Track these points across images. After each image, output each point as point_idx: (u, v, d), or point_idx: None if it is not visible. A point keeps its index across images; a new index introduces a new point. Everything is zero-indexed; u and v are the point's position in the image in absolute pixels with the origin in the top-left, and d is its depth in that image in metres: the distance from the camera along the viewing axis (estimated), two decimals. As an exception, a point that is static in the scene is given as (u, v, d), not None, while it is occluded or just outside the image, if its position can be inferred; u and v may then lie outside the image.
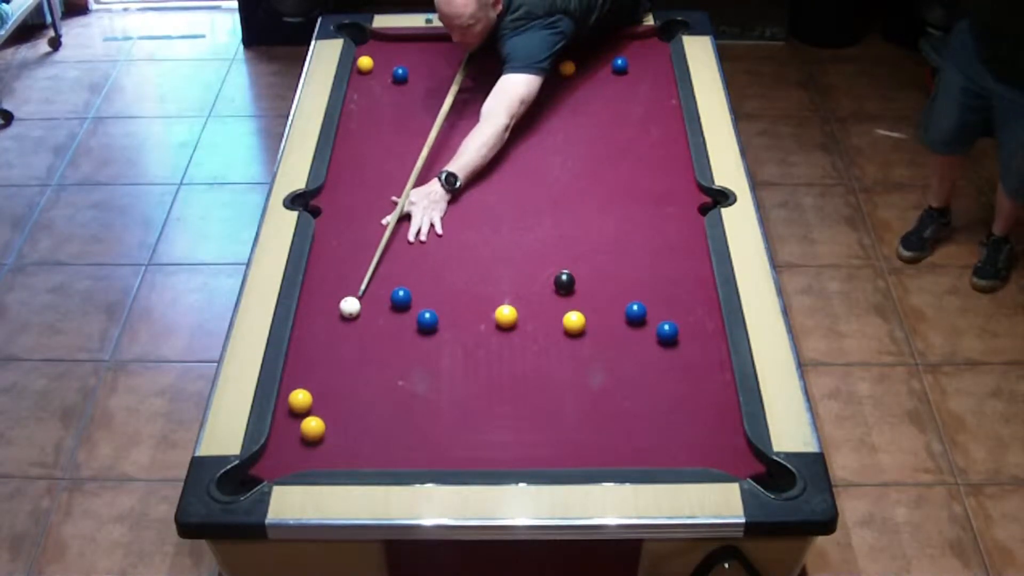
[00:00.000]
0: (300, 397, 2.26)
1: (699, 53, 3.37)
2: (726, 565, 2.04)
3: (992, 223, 3.76)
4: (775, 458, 2.10)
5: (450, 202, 2.85)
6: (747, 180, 2.85)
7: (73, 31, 5.36)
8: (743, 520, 1.99)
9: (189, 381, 3.44)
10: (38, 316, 3.71)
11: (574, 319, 2.44)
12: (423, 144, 2.96)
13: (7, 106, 4.72)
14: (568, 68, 3.33)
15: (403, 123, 3.17)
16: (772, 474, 2.09)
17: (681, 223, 2.76)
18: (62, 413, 3.35)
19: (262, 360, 2.35)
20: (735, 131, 3.03)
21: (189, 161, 4.44)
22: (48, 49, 5.19)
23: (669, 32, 3.49)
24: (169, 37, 5.35)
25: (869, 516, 3.00)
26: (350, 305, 2.50)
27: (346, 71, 3.35)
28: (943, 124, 3.61)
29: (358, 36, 3.53)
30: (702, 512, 2.01)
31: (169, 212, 4.17)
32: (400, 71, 3.35)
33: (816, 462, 2.09)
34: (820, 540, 2.17)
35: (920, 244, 3.87)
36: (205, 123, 4.67)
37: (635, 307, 2.46)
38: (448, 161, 2.91)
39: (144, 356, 3.55)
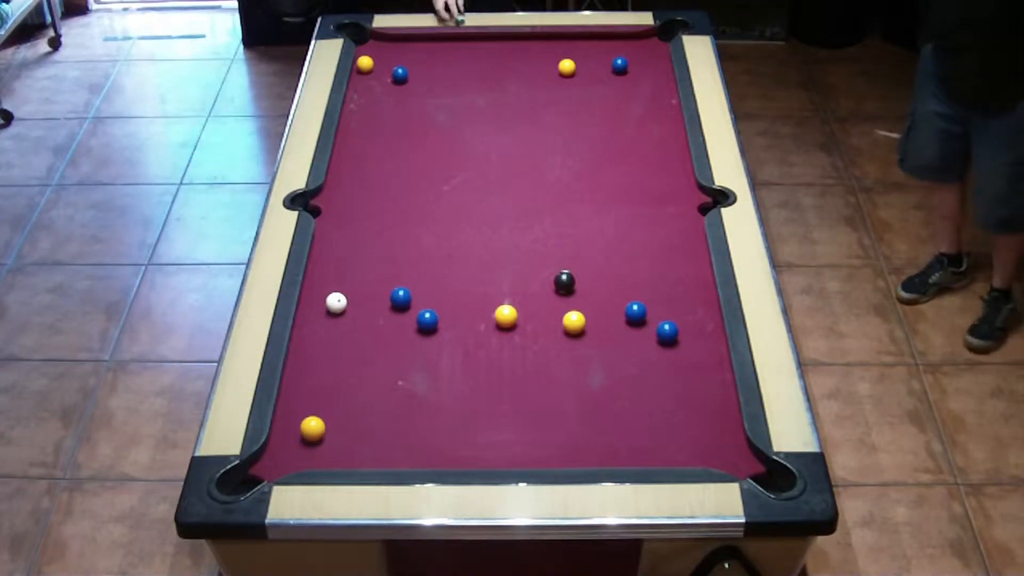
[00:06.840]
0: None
1: (699, 53, 3.37)
2: (726, 565, 2.04)
3: (992, 275, 3.53)
4: (775, 458, 2.10)
5: (450, 203, 2.85)
6: (747, 180, 2.84)
7: (73, 31, 5.36)
8: (743, 520, 1.99)
9: (189, 381, 3.44)
10: (38, 316, 3.71)
11: (574, 319, 2.44)
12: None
13: (7, 106, 4.72)
14: (568, 68, 3.33)
15: (403, 123, 3.17)
16: (772, 474, 2.09)
17: (681, 223, 2.76)
18: (62, 413, 3.35)
19: (262, 360, 2.34)
20: (735, 131, 3.03)
21: (189, 161, 4.44)
22: (48, 49, 5.19)
23: (669, 32, 3.49)
24: (169, 37, 5.36)
25: (869, 516, 3.00)
26: (336, 302, 2.50)
27: (346, 71, 3.34)
28: (927, 153, 3.39)
29: (358, 36, 3.52)
30: (702, 512, 2.01)
31: (169, 212, 4.17)
32: (400, 71, 3.35)
33: (816, 462, 2.09)
34: (820, 540, 2.17)
35: (921, 288, 3.63)
36: (205, 123, 4.67)
37: (635, 307, 2.46)
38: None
39: (144, 356, 3.55)
